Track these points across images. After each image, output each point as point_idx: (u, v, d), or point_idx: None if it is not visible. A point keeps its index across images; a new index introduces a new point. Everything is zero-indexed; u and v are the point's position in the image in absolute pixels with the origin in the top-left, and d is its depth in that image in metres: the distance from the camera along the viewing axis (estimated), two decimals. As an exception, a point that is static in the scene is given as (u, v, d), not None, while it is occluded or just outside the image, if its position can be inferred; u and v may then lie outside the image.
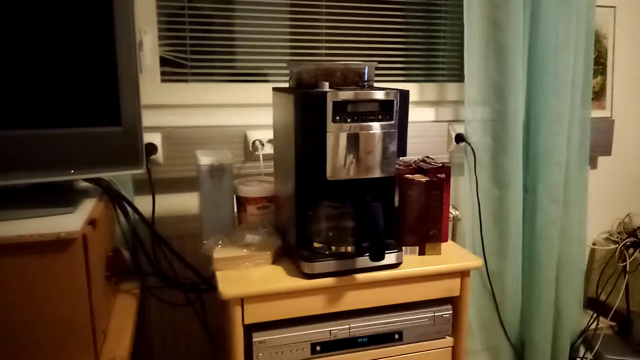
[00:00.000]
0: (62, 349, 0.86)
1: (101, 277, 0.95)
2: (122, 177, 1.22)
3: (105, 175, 1.06)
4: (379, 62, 1.62)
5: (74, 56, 0.91)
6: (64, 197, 0.96)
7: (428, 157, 1.26)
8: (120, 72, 0.95)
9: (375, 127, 0.97)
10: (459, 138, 1.58)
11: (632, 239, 1.80)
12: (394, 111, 0.97)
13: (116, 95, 0.95)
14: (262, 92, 1.50)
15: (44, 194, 0.96)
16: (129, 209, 1.16)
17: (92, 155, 0.95)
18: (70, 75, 0.91)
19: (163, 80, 1.42)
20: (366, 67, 1.04)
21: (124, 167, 0.98)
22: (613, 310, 1.78)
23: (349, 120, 0.95)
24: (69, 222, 0.87)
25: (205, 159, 1.15)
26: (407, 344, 1.11)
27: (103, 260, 0.98)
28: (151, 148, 1.31)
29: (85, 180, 1.08)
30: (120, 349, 0.93)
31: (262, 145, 1.41)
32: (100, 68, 0.93)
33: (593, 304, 1.86)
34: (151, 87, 1.40)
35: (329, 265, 1.01)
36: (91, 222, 0.89)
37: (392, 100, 0.97)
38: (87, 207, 0.96)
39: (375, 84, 1.12)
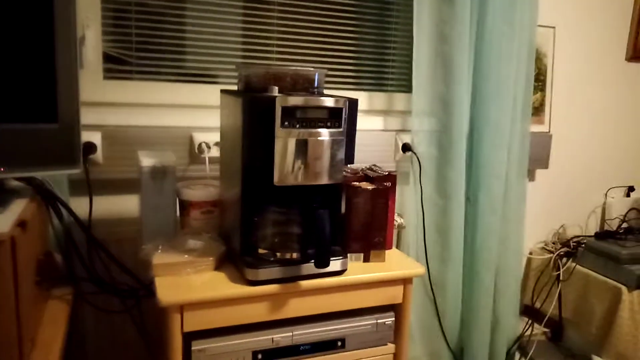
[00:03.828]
0: (-17, 359, 0.80)
1: (30, 282, 0.90)
2: (57, 177, 1.16)
3: (40, 174, 1.01)
4: (330, 69, 1.63)
5: (8, 47, 0.85)
6: (-9, 197, 0.90)
7: (375, 165, 1.27)
8: (58, 66, 0.90)
9: (324, 133, 0.96)
10: (406, 148, 1.60)
11: (565, 249, 1.89)
12: (343, 119, 0.98)
13: (53, 90, 0.90)
14: (210, 93, 1.47)
15: (-31, 193, 0.90)
16: (63, 210, 1.11)
17: (25, 153, 0.89)
18: (2, 67, 0.86)
19: (106, 77, 1.37)
20: (316, 74, 1.04)
21: (60, 166, 0.93)
22: (547, 317, 1.86)
23: (297, 126, 0.94)
24: (-5, 223, 0.81)
25: (147, 160, 1.11)
26: (349, 351, 1.11)
27: (33, 264, 0.93)
28: (90, 147, 1.26)
29: (17, 179, 1.02)
30: (50, 359, 0.88)
31: (209, 148, 1.38)
32: (36, 60, 0.88)
33: (528, 311, 1.93)
34: (93, 83, 1.35)
35: (273, 272, 0.99)
36: (21, 224, 0.84)
37: (341, 108, 0.97)
38: (17, 208, 0.90)
39: (325, 92, 1.12)
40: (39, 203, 1.02)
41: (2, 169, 0.89)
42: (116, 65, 1.38)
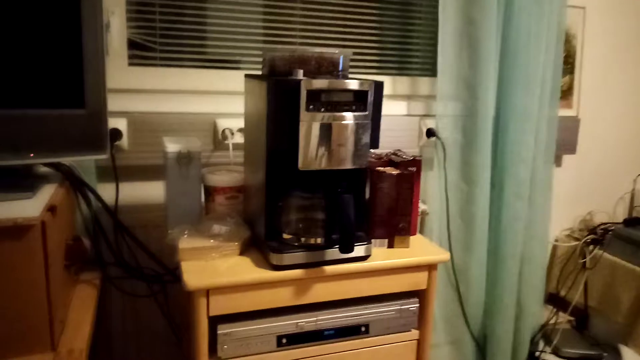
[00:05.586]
0: (17, 340, 0.82)
1: (60, 265, 0.91)
2: (84, 163, 1.17)
3: (67, 160, 1.02)
4: (353, 53, 1.61)
5: (37, 34, 0.86)
6: (21, 182, 0.92)
7: (399, 150, 1.25)
8: (85, 52, 0.91)
9: (349, 117, 0.95)
10: (430, 133, 1.58)
11: (592, 236, 1.85)
12: (368, 102, 0.96)
13: (80, 76, 0.91)
14: (234, 79, 1.47)
15: (0, 178, 0.91)
16: (91, 196, 1.12)
17: (53, 139, 0.91)
18: (31, 54, 0.86)
19: (130, 64, 1.37)
20: (341, 57, 1.03)
21: (87, 152, 0.94)
22: (572, 305, 1.83)
23: (322, 109, 0.93)
24: (27, 207, 0.83)
25: (172, 146, 1.12)
26: (373, 336, 1.11)
27: (62, 249, 0.94)
28: (116, 133, 1.27)
29: (45, 165, 1.03)
30: (79, 340, 0.90)
31: (232, 134, 1.38)
32: (64, 47, 0.89)
33: (553, 299, 1.90)
34: (118, 70, 1.35)
35: (297, 256, 0.99)
36: (50, 209, 0.85)
37: (367, 91, 0.96)
38: (47, 193, 0.92)
39: (349, 75, 1.10)
40: (68, 189, 1.03)
41: (31, 155, 0.90)
42: (140, 52, 1.38)
